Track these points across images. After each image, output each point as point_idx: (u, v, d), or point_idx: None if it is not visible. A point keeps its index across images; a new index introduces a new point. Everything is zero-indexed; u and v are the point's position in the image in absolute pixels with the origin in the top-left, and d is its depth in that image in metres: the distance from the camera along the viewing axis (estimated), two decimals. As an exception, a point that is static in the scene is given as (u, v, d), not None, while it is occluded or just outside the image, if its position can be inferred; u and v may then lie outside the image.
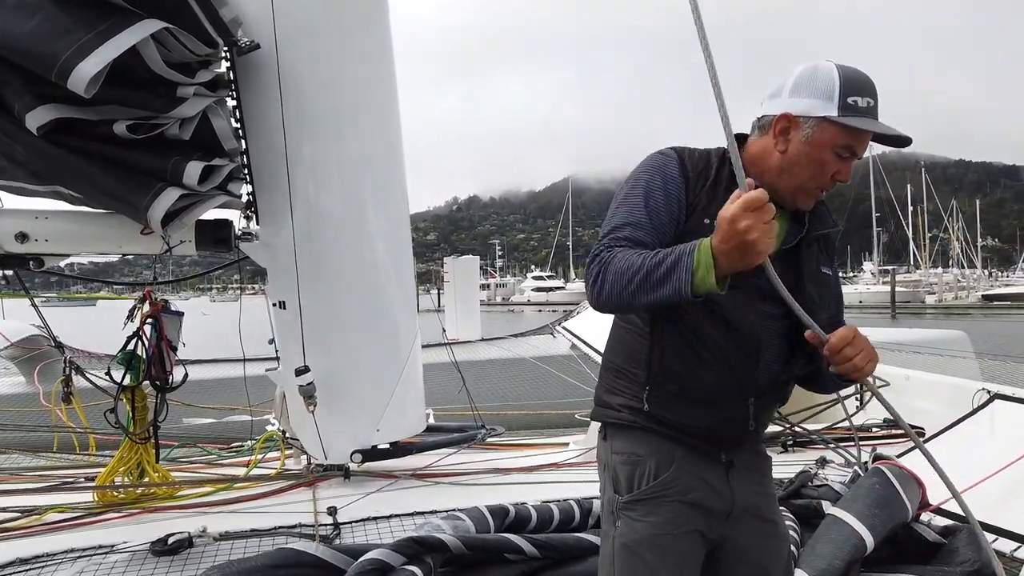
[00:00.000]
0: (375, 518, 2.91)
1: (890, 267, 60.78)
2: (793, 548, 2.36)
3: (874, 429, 4.45)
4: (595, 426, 4.02)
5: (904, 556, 2.51)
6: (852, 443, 3.65)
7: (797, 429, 4.13)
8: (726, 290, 1.39)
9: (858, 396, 4.65)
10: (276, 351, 3.59)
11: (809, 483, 3.06)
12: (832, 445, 3.74)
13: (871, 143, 1.60)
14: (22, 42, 2.39)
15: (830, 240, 1.78)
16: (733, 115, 1.46)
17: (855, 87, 1.54)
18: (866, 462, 3.12)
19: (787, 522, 2.58)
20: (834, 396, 4.34)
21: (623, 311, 1.64)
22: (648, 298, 1.42)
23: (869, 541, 2.36)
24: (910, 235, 69.61)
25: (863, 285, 57.09)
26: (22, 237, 2.93)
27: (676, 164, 1.61)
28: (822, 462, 3.49)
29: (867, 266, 68.94)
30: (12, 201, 3.02)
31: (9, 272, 3.23)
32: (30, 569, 2.44)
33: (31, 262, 3.06)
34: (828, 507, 2.68)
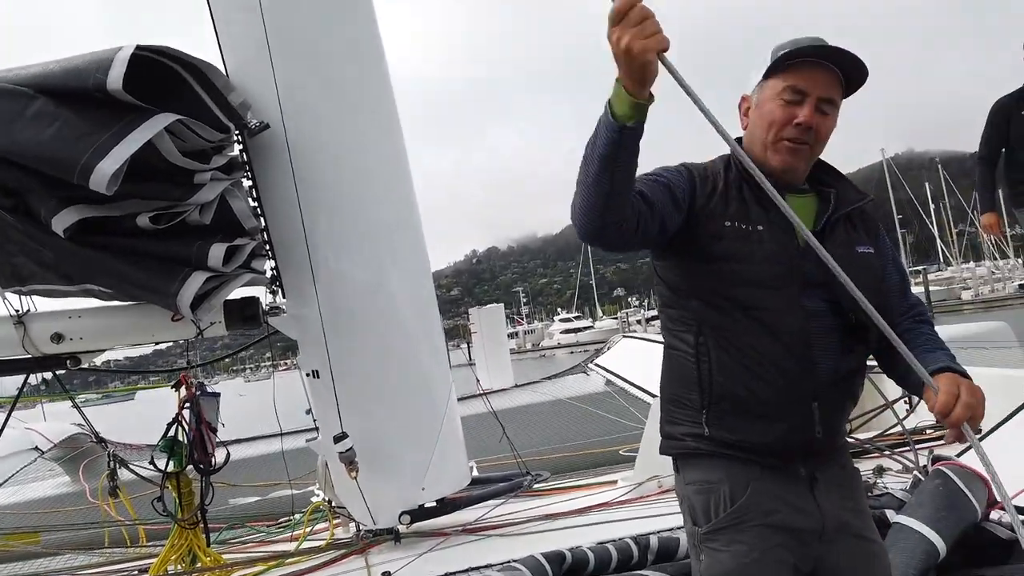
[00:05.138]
0: (431, 579, 2.87)
1: (920, 267, 59.84)
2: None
3: (928, 431, 4.33)
4: (645, 459, 3.97)
5: (979, 558, 2.41)
6: (908, 448, 3.55)
7: (849, 440, 4.02)
8: (649, 100, 1.31)
9: (907, 399, 4.54)
10: (314, 420, 3.60)
11: (869, 493, 2.97)
12: (887, 452, 3.64)
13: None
14: (43, 149, 2.48)
15: (865, 215, 1.69)
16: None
17: (793, 44, 1.55)
18: (925, 465, 3.03)
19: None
20: (882, 402, 4.24)
21: (599, 211, 1.39)
22: (596, 164, 1.35)
23: (941, 547, 2.27)
24: (936, 233, 68.63)
25: (894, 288, 55.95)
26: (57, 338, 3.00)
27: (681, 167, 1.64)
28: (879, 470, 3.40)
29: (896, 269, 67.69)
30: (44, 304, 3.09)
31: (48, 375, 3.29)
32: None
33: (68, 361, 3.11)
34: (893, 515, 2.59)
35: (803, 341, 1.52)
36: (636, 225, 1.44)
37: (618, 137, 1.32)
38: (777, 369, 1.51)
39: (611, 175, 1.34)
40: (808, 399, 1.54)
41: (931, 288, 46.41)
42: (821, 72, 1.53)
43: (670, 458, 1.71)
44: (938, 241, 68.88)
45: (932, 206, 67.78)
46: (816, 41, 1.55)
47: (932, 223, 68.49)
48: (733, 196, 1.58)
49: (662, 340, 1.76)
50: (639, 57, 1.24)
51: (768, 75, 1.58)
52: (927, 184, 69.70)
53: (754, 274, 1.52)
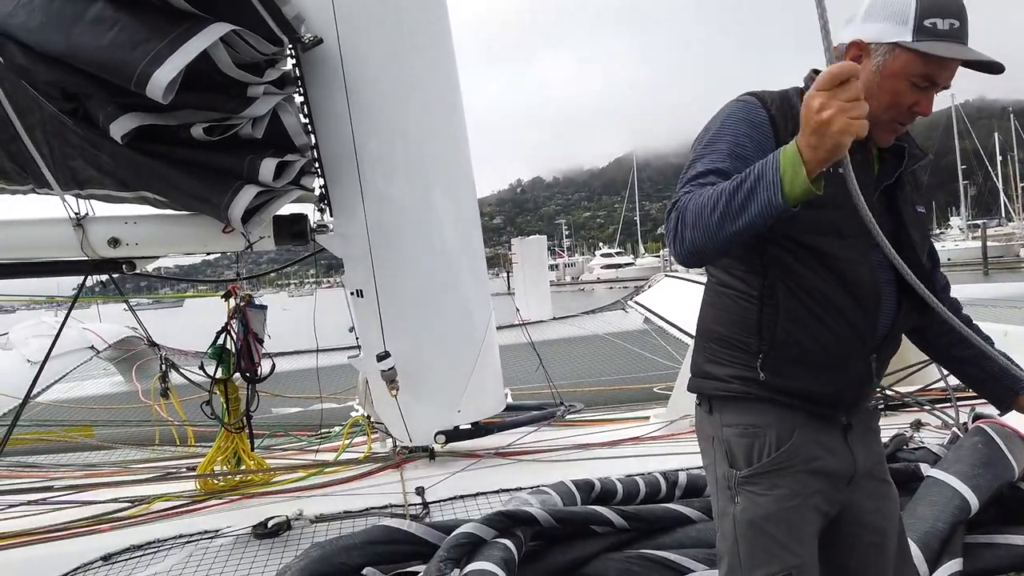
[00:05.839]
0: (462, 496, 2.97)
1: (980, 221, 57.72)
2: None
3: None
4: (679, 398, 4.00)
5: (1012, 517, 2.40)
6: (949, 404, 3.50)
7: (889, 392, 3.98)
8: (823, 190, 1.22)
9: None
10: (356, 339, 3.68)
11: (904, 446, 2.96)
12: (928, 407, 3.60)
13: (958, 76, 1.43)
14: (102, 54, 2.50)
15: (916, 173, 1.64)
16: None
17: (934, 6, 1.37)
18: (965, 423, 2.99)
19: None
20: (925, 357, 4.16)
21: (712, 254, 1.36)
22: (736, 225, 1.26)
23: (973, 502, 2.26)
24: (1000, 187, 65.87)
25: (951, 242, 54.40)
26: (114, 242, 3.08)
27: (761, 109, 1.47)
28: (917, 425, 3.37)
29: (954, 221, 65.58)
30: (102, 208, 3.18)
31: (105, 276, 3.41)
32: (144, 554, 2.60)
33: (124, 266, 3.21)
34: (927, 469, 2.58)
35: (874, 294, 1.50)
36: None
37: (772, 215, 1.25)
38: (846, 321, 1.49)
39: (745, 235, 1.29)
40: (870, 352, 1.54)
41: (988, 244, 44.96)
42: (956, 64, 1.42)
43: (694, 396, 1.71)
44: (1002, 195, 66.17)
45: (1000, 158, 64.83)
46: (963, 24, 1.40)
47: (998, 175, 65.68)
48: None
49: (705, 278, 1.73)
50: (836, 136, 1.16)
51: (901, 44, 1.41)
52: (996, 134, 66.50)
53: (831, 221, 1.46)
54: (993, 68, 1.41)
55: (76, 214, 3.05)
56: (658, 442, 3.67)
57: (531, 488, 2.70)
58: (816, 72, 1.52)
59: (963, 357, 1.72)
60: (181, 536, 2.70)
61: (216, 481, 3.29)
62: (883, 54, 1.43)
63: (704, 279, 1.75)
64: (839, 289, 1.48)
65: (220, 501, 3.13)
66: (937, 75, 1.42)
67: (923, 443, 3.03)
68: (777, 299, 1.50)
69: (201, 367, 3.36)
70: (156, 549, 2.63)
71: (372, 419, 3.84)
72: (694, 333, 1.77)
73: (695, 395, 1.71)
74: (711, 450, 1.63)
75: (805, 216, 1.41)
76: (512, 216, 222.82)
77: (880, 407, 3.90)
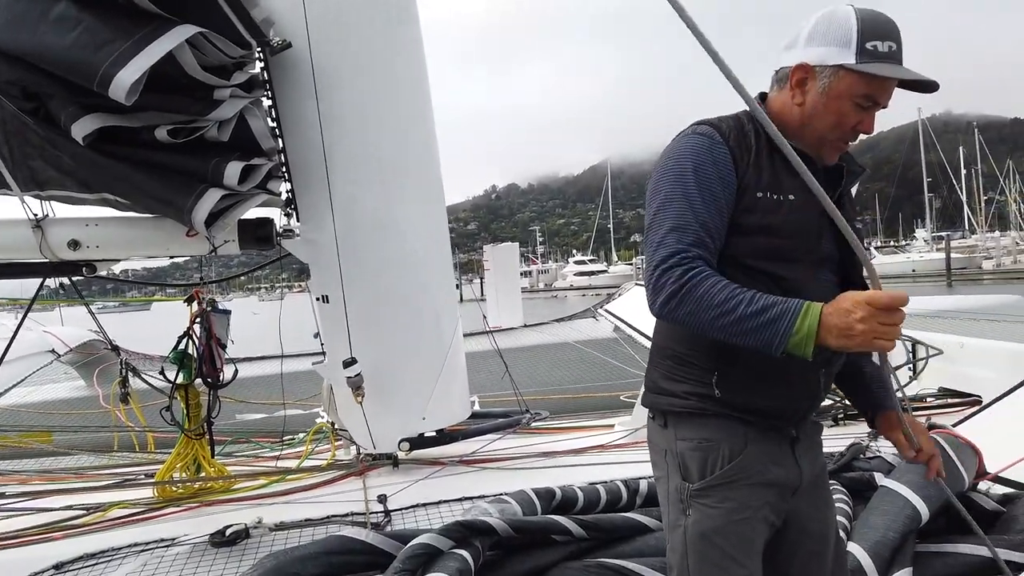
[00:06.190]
0: (424, 504, 2.96)
1: (944, 233, 58.95)
2: (845, 521, 2.33)
3: (928, 399, 4.35)
4: (642, 408, 4.02)
5: (961, 526, 2.45)
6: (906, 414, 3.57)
7: (848, 401, 4.05)
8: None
9: (911, 366, 4.55)
10: (322, 344, 3.66)
11: (861, 456, 3.00)
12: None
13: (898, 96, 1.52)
14: (65, 54, 2.47)
15: (849, 190, 1.71)
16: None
17: (874, 31, 1.44)
18: (920, 433, 3.05)
19: (839, 495, 2.55)
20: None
21: (686, 330, 1.51)
22: (726, 337, 1.38)
23: (924, 512, 2.31)
24: (964, 199, 67.33)
25: (916, 253, 55.51)
26: (74, 244, 3.03)
27: (722, 146, 1.51)
28: (874, 434, 3.42)
29: (920, 233, 66.94)
30: (62, 210, 3.13)
31: (65, 280, 3.35)
32: (97, 563, 2.55)
33: (84, 268, 3.16)
34: (881, 479, 2.63)
35: None
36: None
37: (773, 353, 1.35)
38: None
39: (722, 340, 1.41)
40: (819, 367, 1.57)
41: (952, 255, 45.90)
42: (894, 84, 1.49)
43: (646, 410, 1.73)
44: (965, 208, 67.62)
45: (964, 171, 66.25)
46: (899, 46, 1.47)
47: (962, 188, 67.11)
48: (765, 164, 1.52)
49: None
50: (857, 345, 1.28)
51: (845, 66, 1.47)
52: (961, 148, 67.93)
53: (783, 245, 1.51)
54: (928, 87, 1.48)
55: (35, 215, 3.00)
56: (622, 450, 3.69)
57: (492, 496, 2.70)
58: (764, 96, 1.62)
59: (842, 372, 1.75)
60: (136, 544, 2.66)
61: (174, 488, 3.24)
62: (828, 76, 1.49)
63: None
64: None
65: (178, 509, 3.08)
66: (878, 95, 1.49)
67: (879, 452, 3.09)
68: None
69: (162, 372, 3.31)
70: (110, 558, 2.58)
71: (336, 426, 3.82)
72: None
73: (649, 409, 1.73)
74: (663, 463, 1.64)
75: (759, 241, 1.49)
76: (487, 222, 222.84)
77: (840, 416, 3.97)
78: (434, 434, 3.58)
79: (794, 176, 1.47)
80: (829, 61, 1.48)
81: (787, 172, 1.51)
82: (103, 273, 3.32)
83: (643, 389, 1.75)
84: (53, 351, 6.90)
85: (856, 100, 1.48)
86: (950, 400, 4.29)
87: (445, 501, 2.97)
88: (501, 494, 2.66)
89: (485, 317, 6.26)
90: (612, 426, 4.24)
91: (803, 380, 1.57)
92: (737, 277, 1.47)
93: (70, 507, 3.06)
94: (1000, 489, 2.67)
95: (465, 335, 3.98)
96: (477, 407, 4.26)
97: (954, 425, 3.11)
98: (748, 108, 1.46)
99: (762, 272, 1.51)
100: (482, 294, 12.02)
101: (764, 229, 1.50)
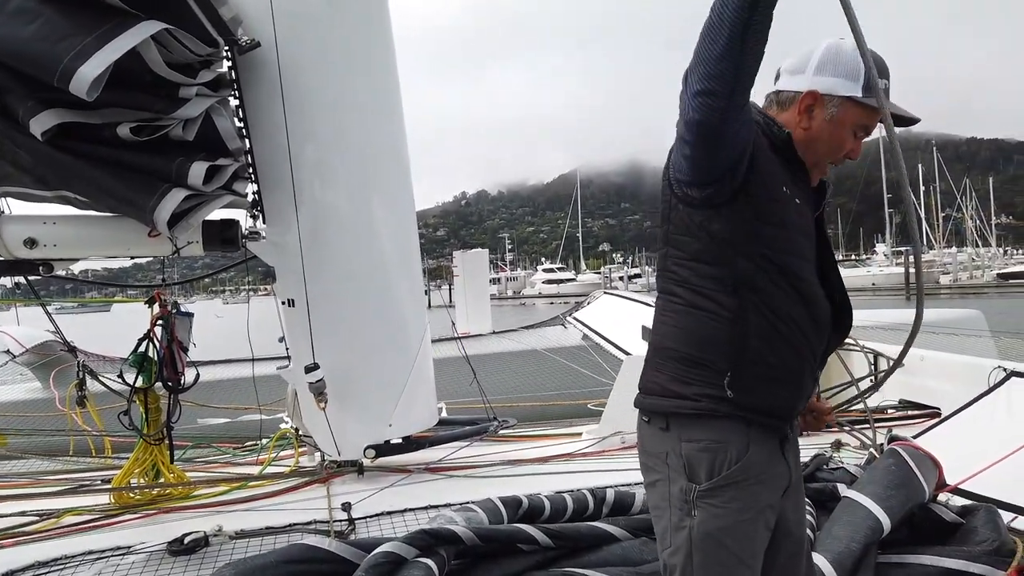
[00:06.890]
0: (389, 512, 2.92)
1: (904, 248, 60.27)
2: (809, 532, 2.35)
3: (889, 411, 4.43)
4: (612, 415, 4.03)
5: (922, 537, 2.49)
6: (867, 425, 3.63)
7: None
8: None
9: (872, 377, 4.62)
10: (287, 349, 3.60)
11: (824, 466, 3.04)
12: (847, 428, 3.72)
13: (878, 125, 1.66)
14: (23, 47, 2.40)
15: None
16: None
17: (877, 69, 1.56)
18: (881, 444, 3.09)
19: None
20: (848, 379, 4.31)
21: (732, 93, 1.35)
22: (731, 30, 1.27)
23: (886, 523, 2.34)
24: (923, 215, 68.97)
25: (876, 267, 56.70)
26: (31, 243, 2.95)
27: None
28: (837, 445, 3.47)
29: (880, 248, 68.47)
30: (19, 207, 3.04)
31: (20, 279, 3.25)
32: (49, 572, 2.46)
33: (40, 267, 3.07)
34: (844, 490, 2.66)
35: (827, 312, 1.66)
36: (744, 149, 1.48)
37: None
38: (807, 340, 1.61)
39: (743, 42, 1.29)
40: (816, 367, 1.68)
41: (911, 270, 46.87)
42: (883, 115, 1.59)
43: (636, 413, 1.72)
44: (923, 223, 69.27)
45: (923, 188, 67.92)
46: (888, 78, 1.62)
47: (920, 205, 68.75)
48: (779, 163, 1.62)
49: (647, 300, 1.79)
50: None
51: (853, 98, 1.61)
52: (920, 165, 69.67)
53: (798, 243, 1.61)
54: (913, 122, 1.68)
55: (-11, 212, 2.90)
56: (589, 458, 3.69)
57: (459, 504, 2.67)
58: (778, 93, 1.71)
59: None
60: (91, 552, 2.57)
61: (132, 494, 3.15)
62: (836, 105, 1.63)
63: (641, 297, 1.79)
64: (803, 309, 1.59)
65: (135, 516, 3.00)
66: (871, 126, 1.66)
67: (842, 463, 3.13)
68: (747, 318, 1.56)
69: (120, 375, 3.23)
70: (63, 566, 2.50)
71: (300, 432, 3.76)
72: (642, 351, 1.78)
73: (645, 413, 1.70)
74: (663, 466, 1.62)
75: (782, 235, 1.57)
76: (456, 228, 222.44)
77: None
78: (400, 441, 3.54)
79: (794, 184, 1.62)
80: (838, 92, 1.61)
81: (794, 175, 1.64)
82: (61, 273, 3.23)
83: (623, 392, 1.76)
84: (8, 351, 6.70)
85: (855, 129, 1.65)
86: (910, 412, 4.37)
87: (411, 509, 2.93)
88: (467, 502, 2.64)
89: (454, 323, 6.23)
90: (580, 434, 4.23)
91: (806, 379, 1.65)
92: (756, 277, 1.55)
93: (22, 513, 2.96)
94: (960, 501, 2.72)
95: (433, 341, 3.95)
96: (444, 414, 4.23)
97: (914, 437, 3.16)
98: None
99: (782, 268, 1.57)
100: (451, 300, 11.95)
101: (787, 223, 1.59)
